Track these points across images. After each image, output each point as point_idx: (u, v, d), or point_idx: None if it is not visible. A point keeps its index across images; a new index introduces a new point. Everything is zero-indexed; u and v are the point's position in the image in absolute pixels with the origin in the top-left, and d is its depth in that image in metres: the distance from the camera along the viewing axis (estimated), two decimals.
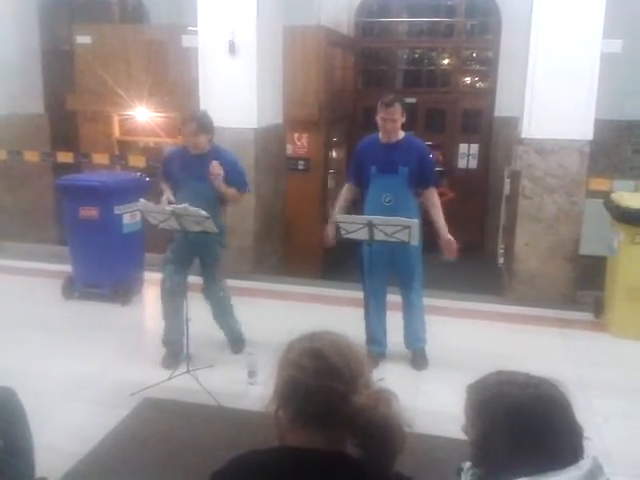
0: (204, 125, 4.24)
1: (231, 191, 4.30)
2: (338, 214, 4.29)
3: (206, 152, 4.28)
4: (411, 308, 4.43)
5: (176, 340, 4.32)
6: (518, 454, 1.40)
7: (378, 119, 4.19)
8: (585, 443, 1.45)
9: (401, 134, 4.27)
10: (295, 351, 1.39)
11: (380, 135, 4.28)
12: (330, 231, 4.39)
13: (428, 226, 4.35)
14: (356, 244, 4.24)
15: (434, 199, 4.31)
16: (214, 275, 4.49)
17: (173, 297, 4.29)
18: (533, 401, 1.42)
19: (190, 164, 4.28)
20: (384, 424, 1.30)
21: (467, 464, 1.63)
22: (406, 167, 4.18)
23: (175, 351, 4.33)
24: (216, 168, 4.13)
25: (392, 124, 4.17)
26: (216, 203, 4.35)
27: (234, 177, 4.30)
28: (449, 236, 4.25)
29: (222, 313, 4.56)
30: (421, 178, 4.24)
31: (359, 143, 4.53)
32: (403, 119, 4.22)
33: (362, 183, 4.38)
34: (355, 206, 4.60)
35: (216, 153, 4.32)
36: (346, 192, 4.54)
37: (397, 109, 4.14)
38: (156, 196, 4.54)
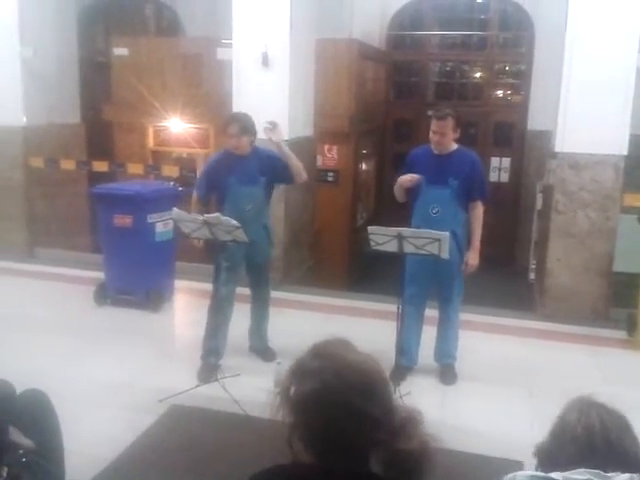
0: (246, 127, 4.25)
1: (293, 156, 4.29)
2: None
3: (248, 154, 4.31)
4: (447, 323, 4.39)
5: (219, 351, 4.30)
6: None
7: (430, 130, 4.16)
8: None
9: (453, 146, 4.24)
10: (310, 382, 1.32)
11: (432, 146, 4.25)
12: None
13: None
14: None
15: (477, 212, 4.23)
16: (266, 276, 4.58)
17: (227, 305, 4.33)
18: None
19: (235, 167, 4.29)
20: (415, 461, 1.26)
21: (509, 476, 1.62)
22: (456, 180, 4.14)
23: (214, 364, 4.26)
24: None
25: (440, 137, 4.13)
26: (265, 204, 4.40)
27: (280, 167, 4.31)
28: (475, 257, 4.18)
29: (264, 318, 4.63)
30: (470, 191, 4.19)
31: (410, 153, 4.46)
32: (457, 134, 4.17)
33: (410, 194, 4.31)
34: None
35: (257, 153, 4.34)
36: None
37: (449, 123, 4.09)
38: (188, 205, 4.58)
